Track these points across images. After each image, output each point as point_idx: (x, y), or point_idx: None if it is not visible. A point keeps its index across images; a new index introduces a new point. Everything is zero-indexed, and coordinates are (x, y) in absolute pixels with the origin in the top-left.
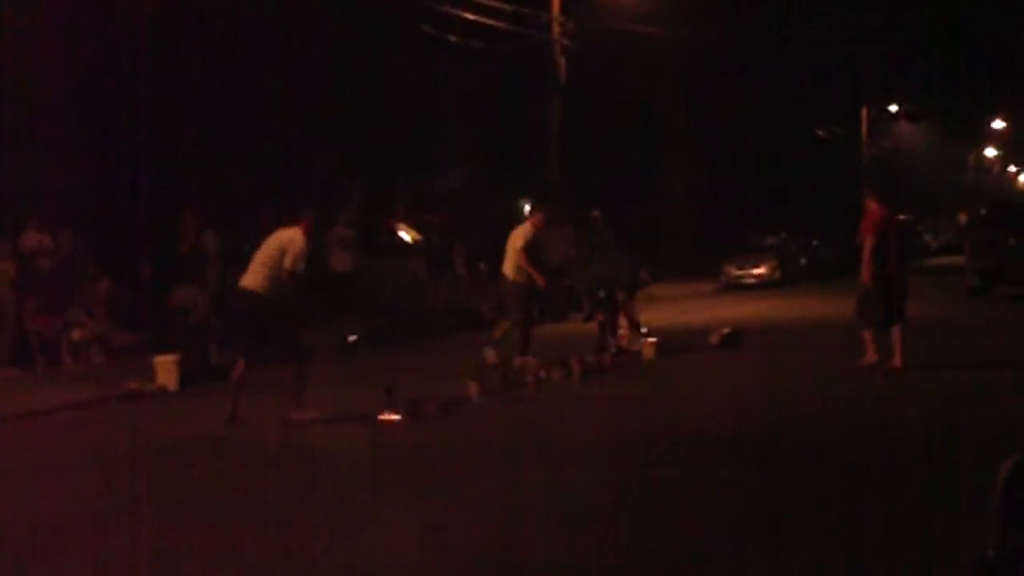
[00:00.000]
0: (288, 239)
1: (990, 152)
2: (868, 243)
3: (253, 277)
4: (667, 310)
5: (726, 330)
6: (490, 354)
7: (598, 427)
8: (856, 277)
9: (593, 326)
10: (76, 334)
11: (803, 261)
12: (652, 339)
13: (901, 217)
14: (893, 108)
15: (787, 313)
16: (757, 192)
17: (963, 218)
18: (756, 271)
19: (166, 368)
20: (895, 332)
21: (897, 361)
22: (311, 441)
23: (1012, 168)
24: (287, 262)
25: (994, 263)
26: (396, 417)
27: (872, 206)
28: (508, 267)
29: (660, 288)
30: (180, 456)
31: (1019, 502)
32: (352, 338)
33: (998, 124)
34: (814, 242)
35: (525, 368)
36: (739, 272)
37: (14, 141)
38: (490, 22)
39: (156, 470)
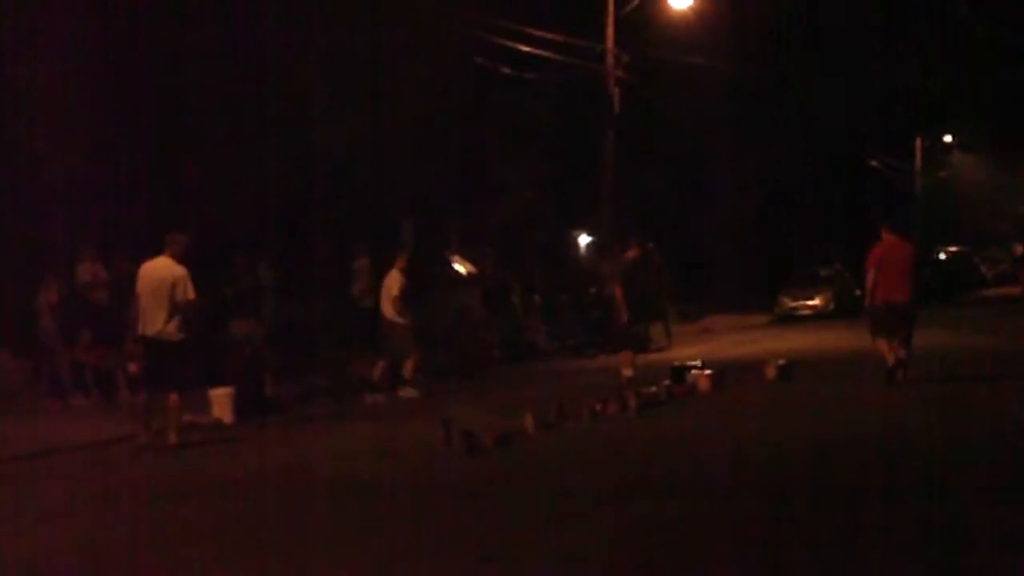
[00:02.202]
0: (171, 274)
1: None
2: (870, 274)
3: (154, 324)
4: (722, 342)
5: (781, 362)
6: (409, 391)
7: (651, 462)
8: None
9: (649, 358)
10: (132, 367)
11: (858, 292)
12: (708, 372)
13: (953, 248)
14: (947, 138)
15: (842, 344)
16: (810, 223)
17: (1019, 249)
18: (811, 302)
19: (221, 401)
20: (902, 350)
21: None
22: (367, 474)
23: None
24: (180, 295)
25: None
26: (450, 447)
27: (888, 238)
28: (390, 310)
29: (715, 320)
30: (233, 489)
31: None
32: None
33: None
34: None
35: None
36: (794, 304)
37: (68, 178)
38: (544, 54)
39: (208, 503)
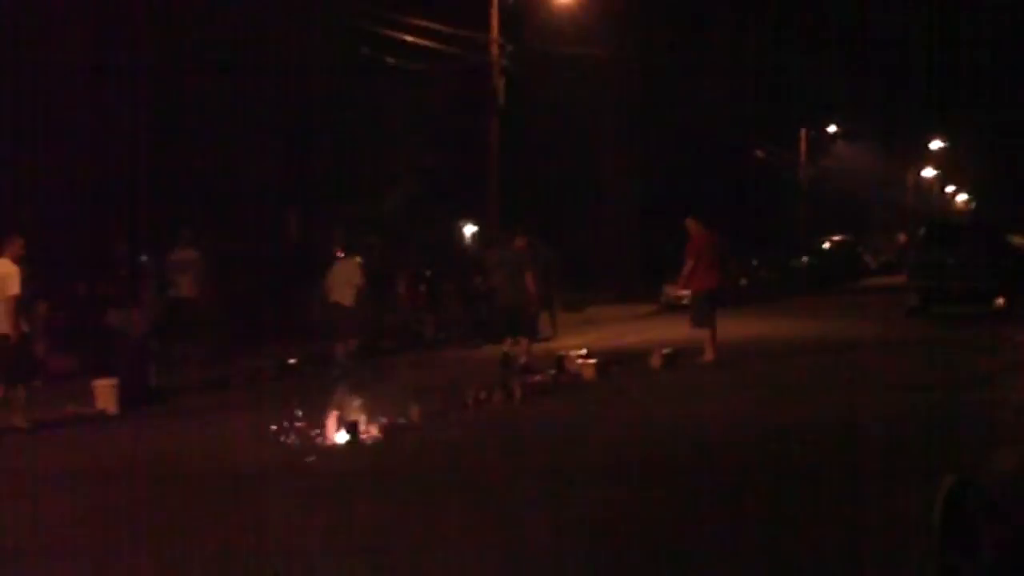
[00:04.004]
0: (2, 272)
1: (928, 172)
2: (690, 263)
3: None
4: (607, 331)
5: (666, 351)
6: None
7: (535, 451)
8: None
9: (534, 347)
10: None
11: (743, 281)
12: (593, 360)
13: (837, 237)
14: (831, 128)
15: (726, 333)
16: (696, 214)
17: (902, 238)
18: None
19: (105, 392)
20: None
21: (709, 356)
22: (249, 466)
23: (950, 188)
24: (10, 291)
25: (933, 282)
26: (339, 440)
27: (694, 229)
28: (345, 296)
29: (600, 310)
30: (116, 480)
31: (957, 520)
32: (292, 361)
33: (936, 144)
34: (754, 262)
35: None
36: (679, 293)
37: None
38: (428, 43)
39: (91, 494)
